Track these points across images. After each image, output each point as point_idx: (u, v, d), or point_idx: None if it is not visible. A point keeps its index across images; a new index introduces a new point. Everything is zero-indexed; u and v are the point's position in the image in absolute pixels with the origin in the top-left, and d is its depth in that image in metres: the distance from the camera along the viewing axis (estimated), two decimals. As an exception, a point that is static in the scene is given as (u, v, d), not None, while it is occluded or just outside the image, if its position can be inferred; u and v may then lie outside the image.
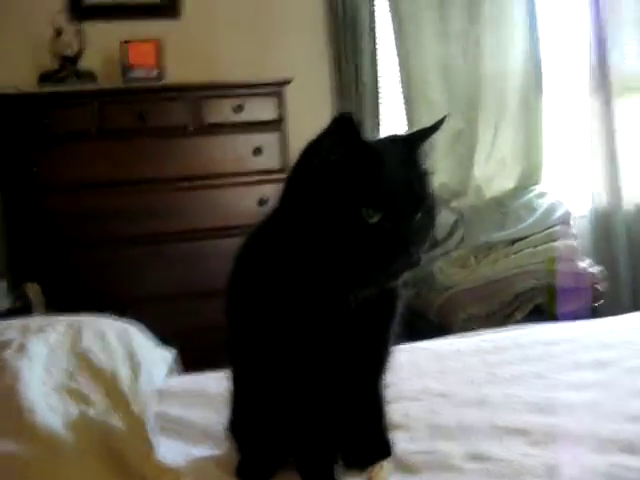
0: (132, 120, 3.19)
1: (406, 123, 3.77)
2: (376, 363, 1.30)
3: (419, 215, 1.13)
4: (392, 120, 3.84)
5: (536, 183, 3.90)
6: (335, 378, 1.22)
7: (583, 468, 1.30)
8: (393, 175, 1.12)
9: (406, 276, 1.17)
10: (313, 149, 1.14)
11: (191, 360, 2.17)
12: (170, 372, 1.97)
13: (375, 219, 1.09)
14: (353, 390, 1.27)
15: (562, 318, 2.64)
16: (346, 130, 1.10)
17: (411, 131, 1.23)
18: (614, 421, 1.49)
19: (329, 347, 1.19)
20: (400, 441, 1.40)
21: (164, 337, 2.08)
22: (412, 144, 1.18)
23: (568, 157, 4.12)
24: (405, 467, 1.34)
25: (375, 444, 1.34)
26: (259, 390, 1.28)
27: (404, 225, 1.11)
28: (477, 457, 1.36)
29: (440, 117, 1.21)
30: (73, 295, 2.97)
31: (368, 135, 1.14)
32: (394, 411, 1.40)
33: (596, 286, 3.42)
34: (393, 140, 1.21)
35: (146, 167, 3.20)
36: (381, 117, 3.80)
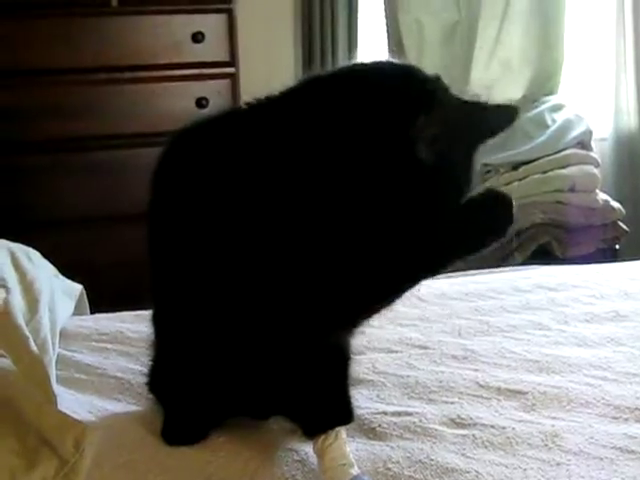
0: (33, -11, 3.11)
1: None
2: None
3: None
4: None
5: (551, 93, 3.90)
6: (284, 327, 1.23)
7: (589, 438, 1.34)
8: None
9: None
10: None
11: (103, 298, 2.17)
12: (77, 310, 1.97)
13: None
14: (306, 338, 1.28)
15: (574, 262, 2.66)
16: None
17: (480, 113, 1.25)
18: (629, 384, 1.53)
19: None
20: (365, 400, 1.42)
21: (70, 269, 2.08)
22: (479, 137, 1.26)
23: (593, 62, 4.09)
24: (370, 432, 1.37)
25: (331, 407, 1.34)
26: (190, 338, 1.29)
27: None
28: (460, 422, 1.40)
29: None
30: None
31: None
32: (360, 364, 1.41)
33: (618, 224, 3.46)
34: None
35: (53, 53, 3.13)
36: None
